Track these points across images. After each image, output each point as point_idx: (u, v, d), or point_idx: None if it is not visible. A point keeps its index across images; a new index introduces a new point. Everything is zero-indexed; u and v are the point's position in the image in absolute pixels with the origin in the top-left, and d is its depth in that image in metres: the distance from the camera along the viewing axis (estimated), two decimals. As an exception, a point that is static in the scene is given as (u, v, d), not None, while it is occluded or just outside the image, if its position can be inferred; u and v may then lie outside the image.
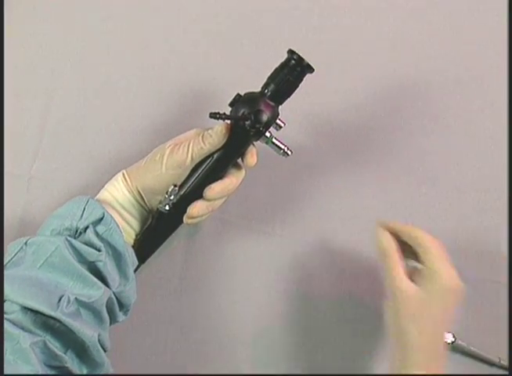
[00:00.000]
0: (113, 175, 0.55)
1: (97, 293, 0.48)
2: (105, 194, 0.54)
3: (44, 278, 0.47)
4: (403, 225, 0.53)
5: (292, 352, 0.60)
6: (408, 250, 0.53)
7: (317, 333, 0.60)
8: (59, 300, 0.46)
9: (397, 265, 0.51)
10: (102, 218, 0.51)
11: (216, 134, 0.52)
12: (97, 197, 0.54)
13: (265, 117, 0.51)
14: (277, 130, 0.55)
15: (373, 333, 0.60)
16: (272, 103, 0.52)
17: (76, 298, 0.46)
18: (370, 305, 0.60)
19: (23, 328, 0.43)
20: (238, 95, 0.53)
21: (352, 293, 0.61)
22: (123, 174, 0.55)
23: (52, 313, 0.44)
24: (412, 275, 0.52)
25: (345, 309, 0.61)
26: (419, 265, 0.52)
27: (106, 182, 0.55)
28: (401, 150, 0.65)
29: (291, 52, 0.51)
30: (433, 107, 0.66)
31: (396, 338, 0.51)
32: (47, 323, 0.45)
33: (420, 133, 0.66)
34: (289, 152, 0.55)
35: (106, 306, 0.49)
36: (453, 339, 0.60)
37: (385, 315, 0.52)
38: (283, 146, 0.55)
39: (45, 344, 0.43)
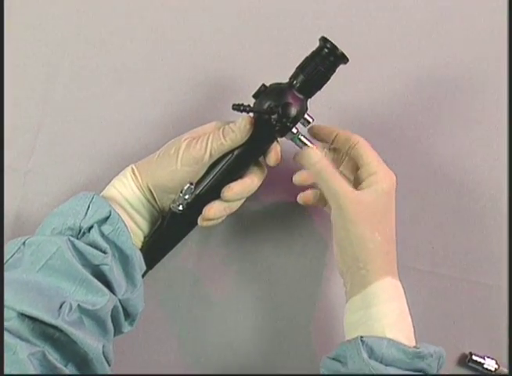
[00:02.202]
0: (120, 171, 0.55)
1: (102, 300, 0.47)
2: (111, 191, 0.53)
3: (43, 282, 0.46)
4: (331, 128, 0.55)
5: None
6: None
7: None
8: (60, 307, 0.45)
9: (335, 174, 0.52)
10: (108, 217, 0.50)
11: (239, 129, 0.51)
12: (103, 193, 0.53)
13: (293, 111, 0.50)
14: (305, 126, 0.54)
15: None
16: (300, 96, 0.51)
17: (78, 305, 0.46)
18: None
19: (19, 337, 0.42)
20: (263, 85, 0.52)
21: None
22: (132, 169, 0.54)
23: (53, 321, 0.44)
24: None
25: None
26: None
27: (112, 178, 0.55)
28: (440, 147, 0.65)
29: (324, 39, 0.50)
30: (476, 100, 0.65)
31: (350, 251, 0.52)
32: (46, 332, 0.44)
33: (458, 128, 0.65)
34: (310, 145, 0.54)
35: (111, 315, 0.49)
36: (496, 366, 0.59)
37: (335, 235, 0.53)
38: (310, 144, 0.54)
39: (44, 355, 0.42)
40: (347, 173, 0.56)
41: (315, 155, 0.52)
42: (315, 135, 0.56)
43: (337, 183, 0.52)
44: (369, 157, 0.53)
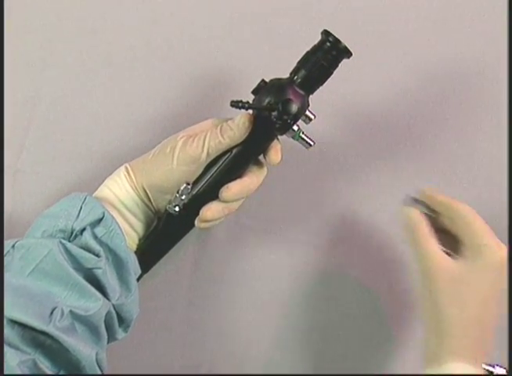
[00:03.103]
0: (114, 170, 0.55)
1: (95, 305, 0.47)
2: (105, 191, 0.53)
3: (34, 287, 0.46)
4: (440, 195, 0.53)
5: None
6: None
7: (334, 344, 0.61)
8: (52, 313, 0.45)
9: (428, 237, 0.51)
10: (101, 219, 0.50)
11: (237, 127, 0.51)
12: (95, 194, 0.53)
13: (294, 108, 0.50)
14: (306, 123, 0.53)
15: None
16: (301, 92, 0.51)
17: (71, 311, 0.46)
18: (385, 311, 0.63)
19: (9, 345, 0.42)
20: (263, 81, 0.51)
21: (370, 298, 0.63)
22: (126, 168, 0.54)
23: (44, 328, 0.43)
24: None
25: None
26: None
27: (105, 177, 0.54)
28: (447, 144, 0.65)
29: (326, 33, 0.50)
30: (485, 97, 0.65)
31: (433, 322, 0.50)
32: (37, 339, 0.44)
33: (466, 125, 0.65)
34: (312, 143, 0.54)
35: (104, 321, 0.48)
36: (505, 374, 0.59)
37: (421, 299, 0.52)
38: (311, 142, 0.53)
39: (34, 363, 0.42)
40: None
41: (413, 213, 0.52)
42: (423, 199, 0.54)
43: (427, 244, 0.51)
44: (479, 228, 0.50)
